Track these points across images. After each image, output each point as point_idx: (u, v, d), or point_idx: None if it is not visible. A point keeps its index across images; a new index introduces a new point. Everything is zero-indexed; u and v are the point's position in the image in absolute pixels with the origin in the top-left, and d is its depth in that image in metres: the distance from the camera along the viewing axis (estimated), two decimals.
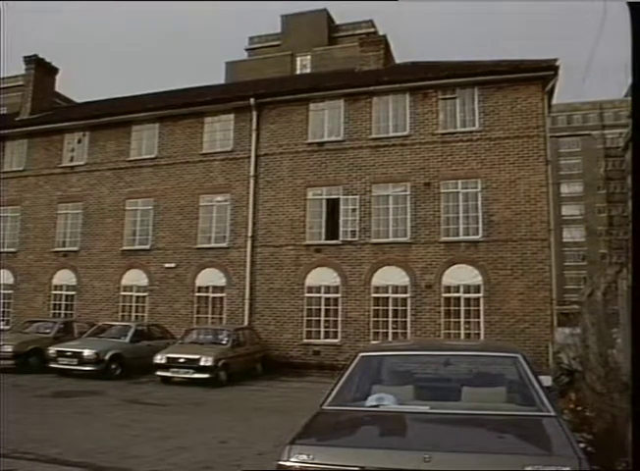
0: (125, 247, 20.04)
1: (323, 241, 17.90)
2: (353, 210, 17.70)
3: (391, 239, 17.25)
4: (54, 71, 24.45)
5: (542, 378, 4.49)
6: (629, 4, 3.35)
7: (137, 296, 19.65)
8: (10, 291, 21.39)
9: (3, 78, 30.64)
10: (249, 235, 18.47)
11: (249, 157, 18.92)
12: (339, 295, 17.47)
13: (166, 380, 13.97)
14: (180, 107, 20.19)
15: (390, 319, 16.87)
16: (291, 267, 18.06)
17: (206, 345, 14.74)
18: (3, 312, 21.34)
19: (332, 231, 17.83)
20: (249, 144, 19.00)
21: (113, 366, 14.60)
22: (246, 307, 18.19)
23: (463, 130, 17.10)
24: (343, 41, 37.78)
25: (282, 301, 17.99)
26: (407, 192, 17.28)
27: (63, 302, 20.63)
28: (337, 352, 16.82)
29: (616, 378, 5.53)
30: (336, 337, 17.28)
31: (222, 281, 18.75)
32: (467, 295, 16.36)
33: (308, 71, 35.86)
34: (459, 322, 16.28)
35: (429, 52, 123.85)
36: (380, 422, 4.14)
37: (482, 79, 17.07)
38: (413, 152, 17.39)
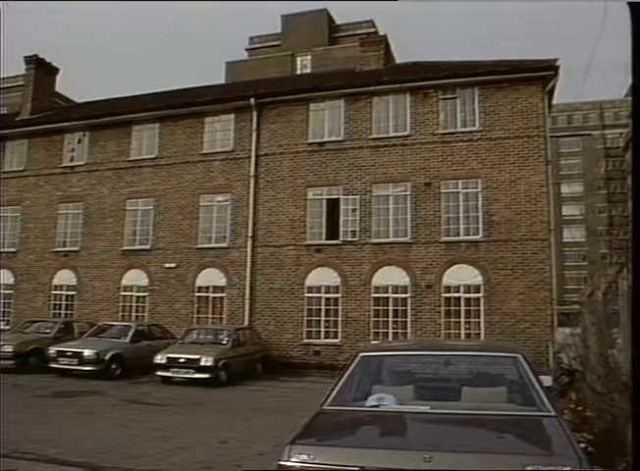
0: (125, 247, 20.04)
1: (323, 241, 17.90)
2: (354, 210, 17.70)
3: (391, 239, 17.25)
4: (54, 71, 24.46)
5: (542, 378, 4.49)
6: (629, 4, 3.35)
7: (138, 296, 19.66)
8: (10, 291, 21.39)
9: (3, 79, 30.58)
10: (250, 235, 18.48)
11: (250, 157, 18.93)
12: (339, 295, 17.48)
13: (166, 380, 13.97)
14: (180, 107, 20.20)
15: (390, 319, 16.88)
16: (291, 267, 18.06)
17: (206, 345, 14.75)
18: (3, 312, 21.34)
19: (332, 231, 17.83)
20: (250, 144, 19.01)
21: (113, 366, 14.61)
22: (247, 307, 18.20)
23: (464, 130, 17.11)
24: (343, 41, 37.73)
25: (282, 301, 17.99)
26: (408, 192, 17.28)
27: (63, 302, 20.63)
28: (337, 352, 16.81)
29: (617, 378, 5.53)
30: (336, 337, 17.29)
31: (222, 281, 18.75)
32: (467, 295, 16.36)
33: (308, 71, 35.82)
34: (460, 322, 16.28)
35: (429, 52, 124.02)
36: (380, 422, 4.14)
37: (482, 79, 17.08)
38: (414, 152, 17.40)
